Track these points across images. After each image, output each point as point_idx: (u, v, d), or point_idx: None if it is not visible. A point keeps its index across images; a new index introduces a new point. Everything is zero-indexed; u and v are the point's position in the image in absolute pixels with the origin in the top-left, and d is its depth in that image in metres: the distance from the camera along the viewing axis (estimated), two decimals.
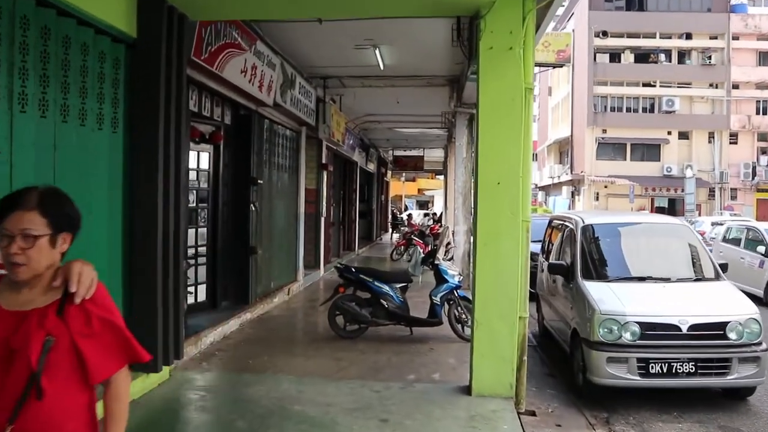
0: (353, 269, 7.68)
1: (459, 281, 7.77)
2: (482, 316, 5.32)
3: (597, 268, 6.76)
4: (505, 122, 5.24)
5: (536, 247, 11.80)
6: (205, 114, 7.63)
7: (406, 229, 20.16)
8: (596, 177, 43.42)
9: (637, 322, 5.66)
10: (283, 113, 9.94)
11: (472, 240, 12.02)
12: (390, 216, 31.55)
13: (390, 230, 30.57)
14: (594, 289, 6.23)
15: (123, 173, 5.16)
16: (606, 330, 5.70)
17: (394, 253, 17.90)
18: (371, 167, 23.57)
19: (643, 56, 44.37)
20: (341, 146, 14.88)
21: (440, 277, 7.71)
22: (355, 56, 9.93)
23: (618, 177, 42.67)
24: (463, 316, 7.53)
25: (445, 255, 8.18)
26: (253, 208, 8.68)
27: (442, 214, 26.10)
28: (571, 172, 46.06)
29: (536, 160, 60.02)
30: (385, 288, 7.47)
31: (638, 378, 5.60)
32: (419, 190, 58.34)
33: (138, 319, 5.19)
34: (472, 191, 12.27)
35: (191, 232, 7.92)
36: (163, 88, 5.22)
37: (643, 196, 43.66)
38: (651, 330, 5.68)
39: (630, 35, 43.24)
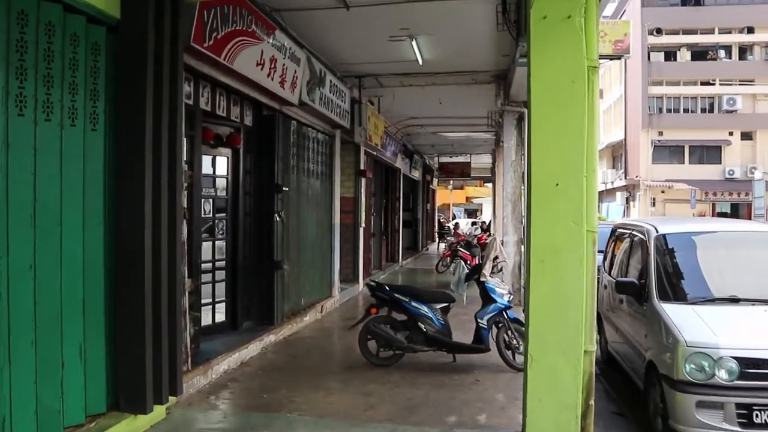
0: (387, 287, 6.72)
1: (509, 301, 6.72)
2: (538, 350, 4.27)
3: (676, 288, 5.58)
4: (565, 109, 4.20)
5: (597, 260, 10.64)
6: (221, 114, 6.85)
7: (452, 239, 19.09)
8: (652, 182, 41.28)
9: (734, 357, 4.50)
10: (313, 114, 9.11)
11: (524, 251, 10.94)
12: (436, 225, 30.47)
13: (436, 240, 29.51)
14: (675, 313, 5.08)
15: (104, 179, 4.36)
16: (694, 367, 4.56)
17: (440, 264, 16.84)
18: (416, 174, 22.63)
19: (700, 53, 42.04)
20: (382, 151, 13.99)
21: (487, 297, 6.68)
22: (390, 50, 9.04)
23: (676, 181, 40.43)
24: (514, 341, 6.48)
25: (492, 270, 7.11)
26: (278, 219, 7.85)
27: (490, 222, 24.94)
28: (626, 177, 44.00)
29: None
30: (424, 309, 6.49)
31: (738, 429, 4.44)
32: (467, 199, 57.11)
33: (123, 352, 4.39)
34: (523, 197, 11.20)
35: (207, 245, 7.15)
36: (152, 78, 4.42)
37: (703, 201, 41.20)
38: (754, 367, 4.51)
39: (686, 32, 41.06)
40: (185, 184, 5.51)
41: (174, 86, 4.68)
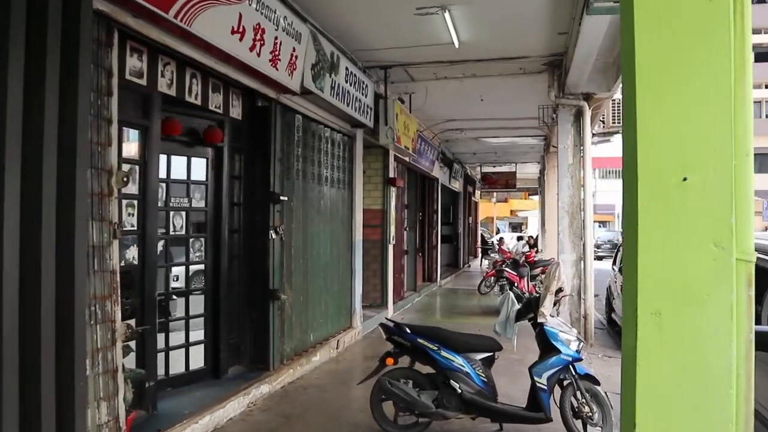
0: (407, 329, 4.95)
1: (578, 351, 4.87)
2: None
3: None
4: (696, 50, 2.40)
5: None
6: (193, 101, 5.26)
7: (497, 256, 17.18)
8: None
9: None
10: (323, 107, 7.47)
11: (585, 272, 9.05)
12: (479, 240, 28.48)
13: (479, 256, 27.53)
14: None
15: None
16: None
17: (483, 285, 14.95)
18: (456, 185, 20.80)
19: (765, 54, 39.08)
20: (415, 157, 12.27)
21: (547, 345, 4.85)
22: (419, 29, 7.37)
23: None
24: (586, 408, 4.64)
25: (554, 307, 5.27)
26: (275, 236, 6.21)
27: (537, 237, 22.89)
28: None
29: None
30: (458, 361, 4.70)
31: None
32: (512, 212, 54.85)
33: None
34: (583, 207, 9.33)
35: (179, 271, 5.56)
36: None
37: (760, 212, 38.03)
38: None
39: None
40: (116, 189, 3.90)
41: (73, 33, 3.08)
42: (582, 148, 9.22)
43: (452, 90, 10.50)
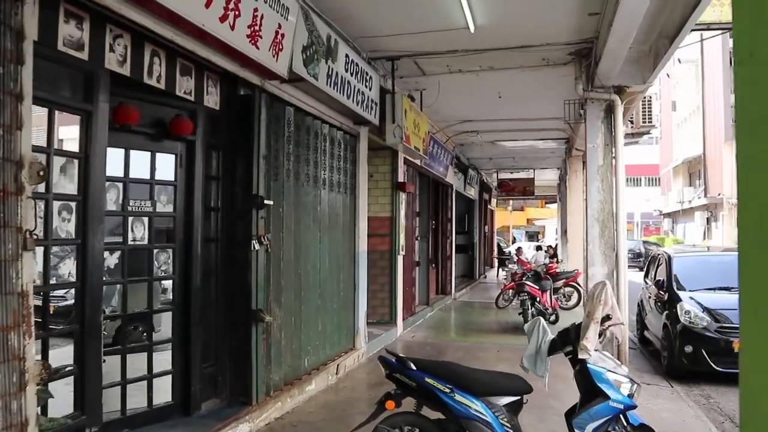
0: (412, 365, 3.95)
1: (631, 394, 3.85)
2: None
3: None
4: None
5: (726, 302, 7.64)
6: (155, 84, 4.36)
7: (515, 267, 16.12)
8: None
9: None
10: (320, 100, 6.55)
11: (616, 283, 8.00)
12: (495, 249, 27.40)
13: (495, 266, 26.46)
14: None
15: None
16: None
17: (500, 299, 13.91)
18: (471, 193, 19.79)
19: None
20: (427, 160, 11.31)
21: (591, 387, 3.84)
22: (430, 11, 6.45)
23: None
24: None
25: (600, 339, 4.24)
26: (258, 247, 5.26)
27: (557, 246, 21.81)
28: (706, 196, 39.69)
29: (659, 184, 53.57)
30: (476, 407, 3.69)
31: None
32: (528, 220, 53.69)
33: None
34: (614, 216, 8.31)
35: (139, 288, 4.65)
36: None
37: None
38: None
39: None
40: (28, 186, 2.99)
41: None
42: (613, 148, 8.20)
43: (467, 86, 9.56)
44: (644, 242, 33.65)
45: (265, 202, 5.27)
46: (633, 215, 47.29)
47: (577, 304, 13.62)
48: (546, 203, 46.20)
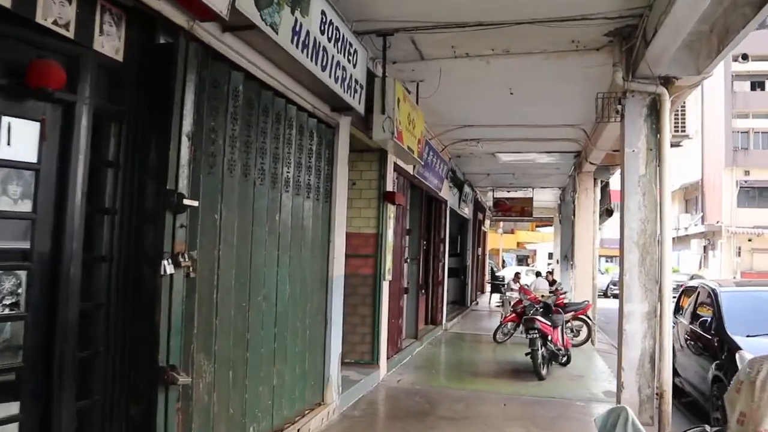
0: None
1: None
2: None
3: None
4: None
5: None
6: None
7: (515, 294, 14.38)
8: (737, 228, 35.64)
9: None
10: (284, 68, 4.80)
11: (659, 324, 6.21)
12: (488, 274, 25.65)
13: (486, 291, 24.70)
14: None
15: None
16: None
17: (499, 332, 12.16)
18: (466, 211, 18.10)
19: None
20: (421, 166, 9.60)
21: None
22: None
23: (766, 228, 34.72)
24: None
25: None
26: (172, 270, 3.45)
27: (553, 271, 20.12)
28: (703, 223, 38.46)
29: None
30: None
31: None
32: (519, 244, 52.15)
33: None
34: (658, 239, 6.59)
35: None
36: None
37: None
38: None
39: None
40: None
41: None
42: (658, 153, 6.54)
43: (474, 77, 7.89)
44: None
45: (186, 202, 3.47)
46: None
47: (587, 340, 11.90)
48: (536, 227, 44.68)
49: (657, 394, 6.31)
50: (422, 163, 8.85)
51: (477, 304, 21.52)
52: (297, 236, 5.34)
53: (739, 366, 6.24)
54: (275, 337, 4.94)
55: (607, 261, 42.80)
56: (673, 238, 44.14)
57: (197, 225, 3.78)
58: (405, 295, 9.97)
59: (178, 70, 3.53)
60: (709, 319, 7.12)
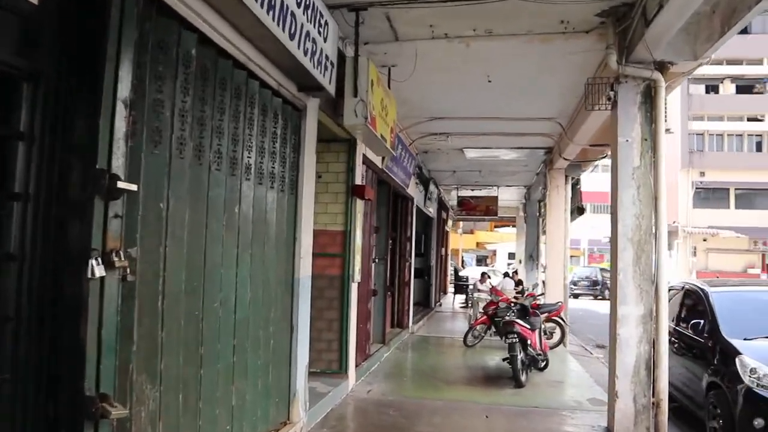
0: None
1: None
2: None
3: None
4: None
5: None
6: None
7: (483, 295, 13.89)
8: (693, 228, 36.28)
9: None
10: (245, 33, 4.07)
11: (655, 328, 5.62)
12: (452, 274, 25.22)
13: (449, 292, 24.27)
14: None
15: None
16: None
17: (469, 335, 11.62)
18: (431, 210, 17.56)
19: (746, 86, 37.57)
20: (392, 158, 8.97)
21: None
22: None
23: (720, 228, 35.44)
24: None
25: None
26: (102, 272, 2.70)
27: (517, 272, 19.79)
28: None
29: (608, 212, 52.81)
30: None
31: None
32: (478, 244, 52.12)
33: None
34: (654, 235, 6.09)
35: None
36: None
37: (752, 251, 36.19)
38: None
39: (730, 62, 36.52)
40: None
41: None
42: (654, 144, 6.06)
43: (451, 63, 7.30)
44: (601, 269, 32.18)
45: (121, 185, 2.74)
46: (579, 241, 46.62)
47: (560, 342, 11.48)
48: (495, 227, 44.62)
49: (653, 404, 5.83)
50: (394, 154, 8.23)
51: (441, 305, 21.03)
52: (259, 232, 4.61)
53: (740, 372, 5.83)
54: (234, 349, 4.20)
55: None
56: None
57: (137, 216, 3.03)
58: (374, 298, 9.30)
59: (112, 18, 2.79)
60: (701, 322, 6.68)
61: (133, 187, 2.81)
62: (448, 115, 10.03)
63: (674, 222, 36.84)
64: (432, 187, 16.83)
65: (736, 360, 5.85)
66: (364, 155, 7.92)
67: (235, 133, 4.16)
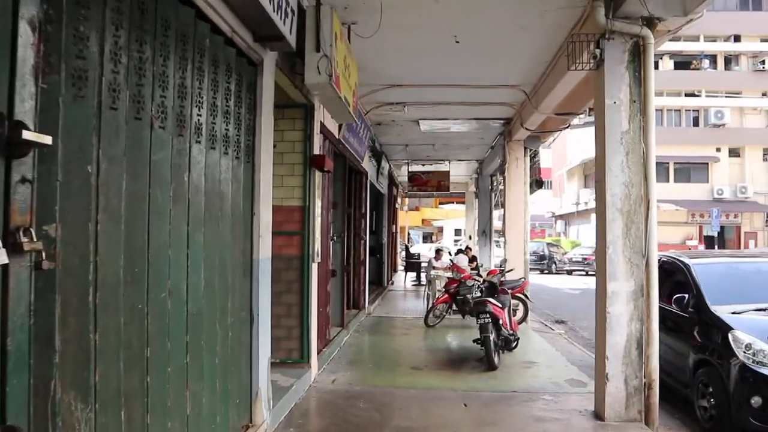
0: None
1: None
2: None
3: None
4: None
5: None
6: None
7: (439, 272, 13.44)
8: None
9: None
10: None
11: (647, 305, 5.11)
12: (403, 251, 24.77)
13: (401, 270, 23.83)
14: None
15: None
16: None
17: (430, 315, 11.13)
18: (383, 185, 16.96)
19: (683, 63, 38.46)
20: (352, 128, 8.29)
21: None
22: None
23: (660, 201, 36.35)
24: None
25: None
26: (8, 259, 1.94)
27: (469, 247, 19.45)
28: None
29: (550, 187, 53.77)
30: None
31: None
32: (423, 221, 51.98)
33: None
34: (645, 204, 5.62)
35: None
36: None
37: (689, 223, 37.37)
38: None
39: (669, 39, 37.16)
40: None
41: None
42: (643, 106, 5.60)
43: (416, 23, 6.66)
44: (548, 244, 32.51)
45: (29, 136, 1.96)
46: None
47: (523, 319, 11.14)
48: (439, 203, 44.50)
49: (646, 385, 5.44)
50: (357, 122, 7.52)
51: (393, 283, 20.57)
52: (213, 205, 3.87)
53: (734, 348, 5.51)
54: (187, 348, 3.48)
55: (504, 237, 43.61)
56: (573, 213, 45.74)
57: (55, 182, 2.26)
58: (332, 280, 8.64)
59: None
60: (686, 297, 6.34)
61: (47, 140, 2.04)
62: (408, 83, 9.36)
63: None
64: (384, 162, 16.21)
65: (729, 335, 5.52)
66: (321, 123, 7.20)
67: (183, 85, 3.39)
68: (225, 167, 4.07)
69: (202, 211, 3.69)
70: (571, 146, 46.46)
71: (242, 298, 4.50)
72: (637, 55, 5.59)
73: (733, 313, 5.89)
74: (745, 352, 5.34)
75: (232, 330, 4.25)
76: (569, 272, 31.12)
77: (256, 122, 4.71)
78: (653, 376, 5.45)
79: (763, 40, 37.27)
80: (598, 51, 5.65)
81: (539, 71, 8.67)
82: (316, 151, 6.88)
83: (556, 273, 30.85)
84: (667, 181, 37.19)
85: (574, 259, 31.53)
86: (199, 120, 3.61)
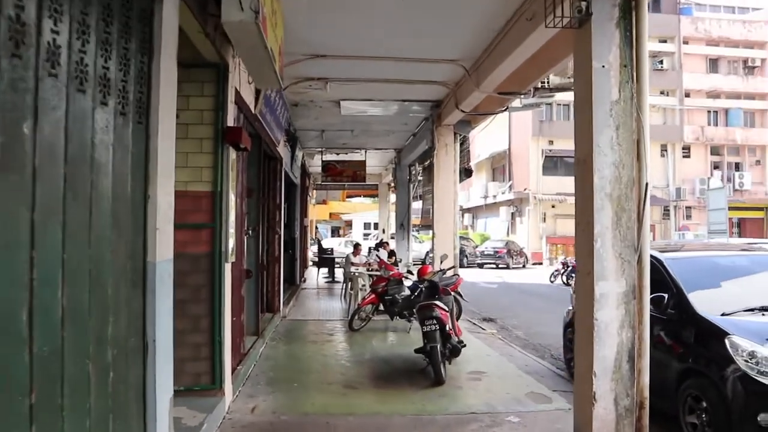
0: None
1: None
2: None
3: None
4: None
5: None
6: None
7: (360, 269, 12.30)
8: (543, 195, 37.71)
9: None
10: None
11: (638, 309, 4.17)
12: (315, 246, 23.40)
13: (313, 265, 22.49)
14: None
15: None
16: None
17: (356, 318, 9.97)
18: (296, 175, 15.57)
19: None
20: (282, 87, 6.98)
21: None
22: None
23: (568, 195, 37.17)
24: None
25: None
26: None
27: (385, 242, 18.46)
28: (511, 191, 40.22)
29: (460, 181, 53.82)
30: None
31: None
32: (331, 215, 50.74)
33: None
34: (637, 189, 4.62)
35: None
36: None
37: None
38: None
39: None
40: None
41: None
42: (636, 72, 4.70)
43: None
44: (459, 237, 32.29)
45: None
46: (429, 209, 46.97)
47: (457, 318, 10.19)
48: (347, 197, 43.44)
49: (637, 405, 4.55)
50: (282, 86, 6.16)
51: (305, 281, 19.20)
52: (80, 180, 2.48)
53: (733, 356, 4.74)
54: (32, 413, 2.09)
55: (419, 231, 43.25)
56: (481, 206, 46.04)
57: None
58: (247, 281, 7.25)
59: None
60: (664, 297, 5.53)
61: None
62: (334, 52, 8.11)
63: (525, 189, 38.08)
64: (297, 151, 14.84)
65: (726, 342, 4.73)
66: (237, 90, 5.81)
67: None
68: (103, 124, 2.68)
69: (61, 189, 2.30)
70: (479, 140, 46.78)
71: (130, 318, 3.11)
72: (629, 11, 4.69)
73: (723, 315, 5.14)
74: (747, 362, 4.57)
75: (115, 368, 2.87)
76: (480, 265, 31.04)
77: (153, 67, 3.31)
78: (645, 393, 4.59)
79: (661, 41, 38.88)
80: (583, 4, 4.67)
81: (484, 44, 7.71)
82: (230, 123, 5.50)
83: (467, 267, 30.59)
84: (573, 175, 38.04)
85: (486, 253, 31.48)
86: (55, 39, 2.22)
